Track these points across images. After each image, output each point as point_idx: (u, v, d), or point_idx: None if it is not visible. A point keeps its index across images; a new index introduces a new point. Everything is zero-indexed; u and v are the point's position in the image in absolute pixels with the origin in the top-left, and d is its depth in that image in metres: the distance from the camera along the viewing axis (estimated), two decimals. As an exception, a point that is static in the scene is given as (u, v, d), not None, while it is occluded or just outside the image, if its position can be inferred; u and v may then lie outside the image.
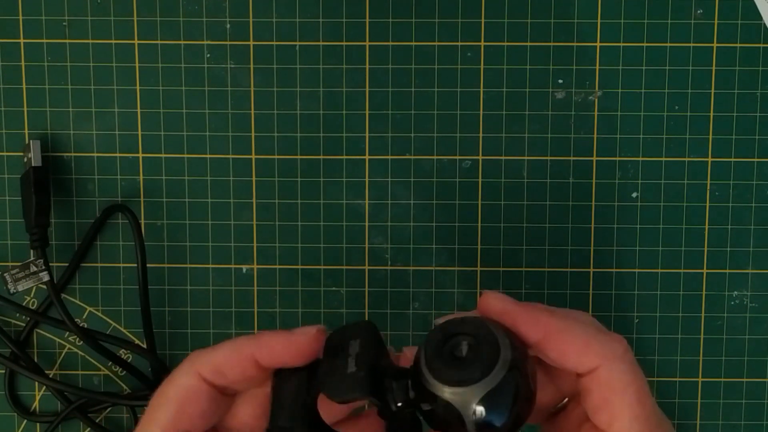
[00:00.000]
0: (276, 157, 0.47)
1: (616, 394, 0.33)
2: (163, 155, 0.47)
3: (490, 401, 0.32)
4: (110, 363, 0.47)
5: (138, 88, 0.46)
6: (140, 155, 0.47)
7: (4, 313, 0.48)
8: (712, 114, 0.46)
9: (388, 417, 0.34)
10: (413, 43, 0.46)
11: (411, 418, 0.34)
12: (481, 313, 0.35)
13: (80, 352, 0.48)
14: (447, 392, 0.32)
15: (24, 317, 0.47)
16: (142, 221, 0.47)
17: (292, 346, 0.33)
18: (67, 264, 0.47)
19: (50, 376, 0.47)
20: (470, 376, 0.32)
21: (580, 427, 0.35)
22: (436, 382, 0.32)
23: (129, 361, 0.47)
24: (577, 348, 0.33)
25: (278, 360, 0.33)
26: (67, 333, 0.47)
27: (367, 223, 0.47)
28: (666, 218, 0.47)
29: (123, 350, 0.47)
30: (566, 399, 0.36)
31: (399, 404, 0.33)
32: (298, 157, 0.47)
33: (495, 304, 0.34)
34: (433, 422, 0.33)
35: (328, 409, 0.35)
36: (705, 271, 0.47)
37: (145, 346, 0.47)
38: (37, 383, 0.47)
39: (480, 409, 0.32)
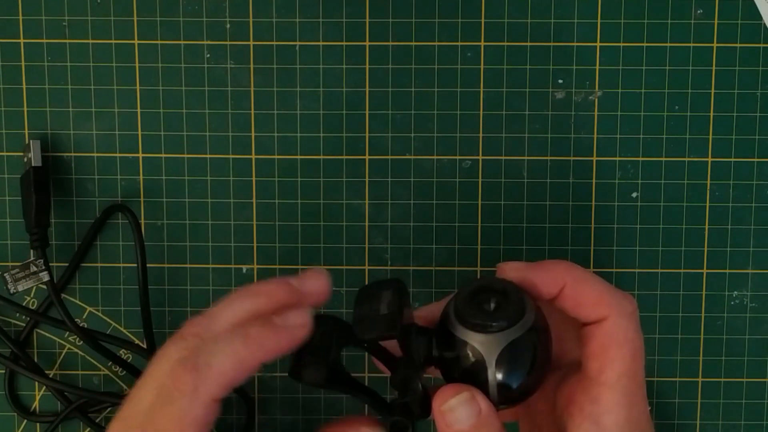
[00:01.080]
0: (276, 157, 0.47)
1: (614, 345, 0.34)
2: (163, 155, 0.47)
3: (513, 351, 0.34)
4: (110, 363, 0.47)
5: (138, 88, 0.46)
6: (140, 155, 0.47)
7: (4, 313, 0.48)
8: (712, 114, 0.46)
9: (396, 386, 0.35)
10: (413, 43, 0.46)
11: (404, 409, 0.35)
12: None
13: (80, 352, 0.48)
14: (473, 339, 0.34)
15: (24, 317, 0.47)
16: (142, 221, 0.47)
17: (294, 339, 0.33)
18: (67, 264, 0.47)
19: (50, 376, 0.47)
20: (497, 324, 0.34)
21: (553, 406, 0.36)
22: (464, 329, 0.34)
23: (129, 361, 0.47)
24: (593, 297, 0.35)
25: (281, 353, 0.33)
26: (67, 333, 0.47)
27: (367, 223, 0.47)
28: (666, 218, 0.47)
29: (123, 350, 0.47)
30: None
31: (422, 360, 0.35)
32: (298, 157, 0.47)
33: (513, 273, 0.36)
34: (456, 372, 0.34)
35: None
36: (705, 271, 0.47)
37: (145, 346, 0.47)
38: (37, 383, 0.48)
39: (504, 358, 0.33)
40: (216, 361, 0.32)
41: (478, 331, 0.34)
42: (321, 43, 0.46)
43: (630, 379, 0.34)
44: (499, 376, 0.33)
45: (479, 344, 0.34)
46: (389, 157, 0.47)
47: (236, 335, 0.33)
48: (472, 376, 0.34)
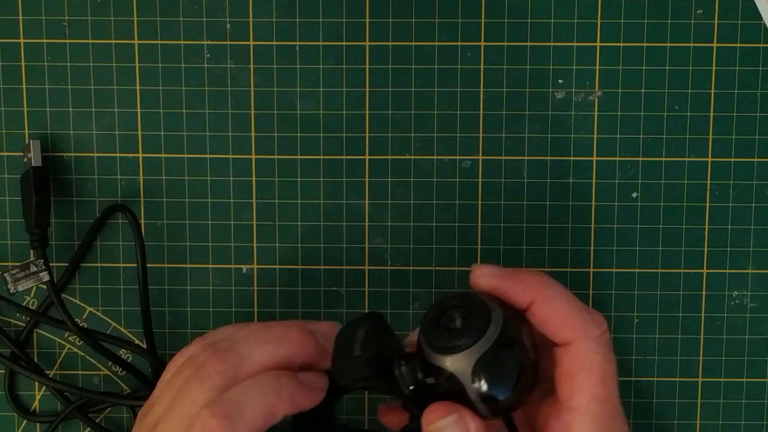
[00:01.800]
0: (276, 157, 0.47)
1: (582, 370, 0.34)
2: (163, 155, 0.47)
3: (485, 364, 0.33)
4: (110, 363, 0.47)
5: (138, 88, 0.46)
6: (140, 155, 0.47)
7: (4, 313, 0.48)
8: (712, 114, 0.46)
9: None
10: (413, 43, 0.46)
11: None
12: (475, 288, 0.36)
13: (80, 352, 0.48)
14: (445, 361, 0.33)
15: (24, 317, 0.47)
16: (142, 221, 0.47)
17: (315, 401, 0.34)
18: (67, 264, 0.47)
19: (50, 376, 0.47)
20: (463, 342, 0.33)
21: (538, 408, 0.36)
22: (434, 354, 0.34)
23: (129, 361, 0.47)
24: (558, 319, 0.34)
25: (302, 410, 0.35)
26: (67, 333, 0.47)
27: (367, 223, 0.47)
28: (666, 218, 0.47)
29: (123, 350, 0.47)
30: None
31: (411, 387, 0.34)
32: (298, 157, 0.47)
33: (485, 280, 0.35)
34: (440, 396, 0.34)
35: None
36: (705, 271, 0.47)
37: (145, 346, 0.47)
38: (37, 383, 0.47)
39: (478, 373, 0.33)
40: (248, 410, 0.32)
41: (447, 353, 0.33)
42: (321, 43, 0.46)
43: (601, 404, 0.33)
44: (480, 390, 0.33)
45: (452, 365, 0.33)
46: (389, 157, 0.47)
47: (269, 385, 0.33)
48: (455, 396, 0.33)
